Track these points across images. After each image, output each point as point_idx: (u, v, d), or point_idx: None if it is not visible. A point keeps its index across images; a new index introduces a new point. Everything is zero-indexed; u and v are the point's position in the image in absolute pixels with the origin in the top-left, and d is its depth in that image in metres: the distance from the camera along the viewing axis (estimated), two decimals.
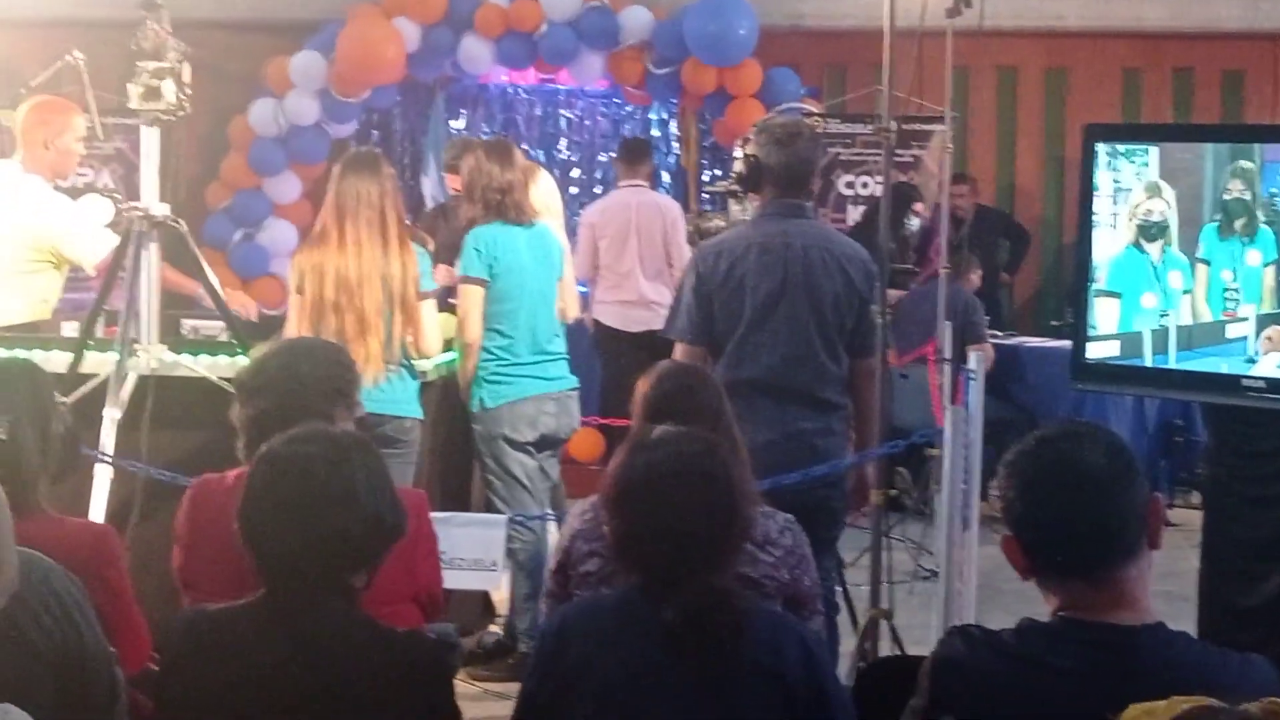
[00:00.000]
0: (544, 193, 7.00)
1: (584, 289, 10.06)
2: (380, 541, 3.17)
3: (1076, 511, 2.68)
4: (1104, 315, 5.63)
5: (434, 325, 6.21)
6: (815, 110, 10.96)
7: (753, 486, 4.12)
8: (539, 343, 6.55)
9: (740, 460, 4.02)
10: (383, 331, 5.99)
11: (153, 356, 5.71)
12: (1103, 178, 5.56)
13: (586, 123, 12.84)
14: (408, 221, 6.56)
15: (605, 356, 9.85)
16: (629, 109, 12.64)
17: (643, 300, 9.64)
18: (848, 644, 5.76)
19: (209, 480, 3.91)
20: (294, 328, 6.01)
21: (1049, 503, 2.70)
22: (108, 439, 5.43)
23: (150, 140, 5.80)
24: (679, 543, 3.11)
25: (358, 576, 3.14)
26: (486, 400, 6.45)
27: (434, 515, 4.10)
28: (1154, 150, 5.51)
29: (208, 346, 6.11)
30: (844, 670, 5.37)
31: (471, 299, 6.42)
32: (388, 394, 6.02)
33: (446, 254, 7.09)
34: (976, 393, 5.84)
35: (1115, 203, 5.55)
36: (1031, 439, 2.78)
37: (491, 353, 6.45)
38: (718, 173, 11.65)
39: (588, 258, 9.85)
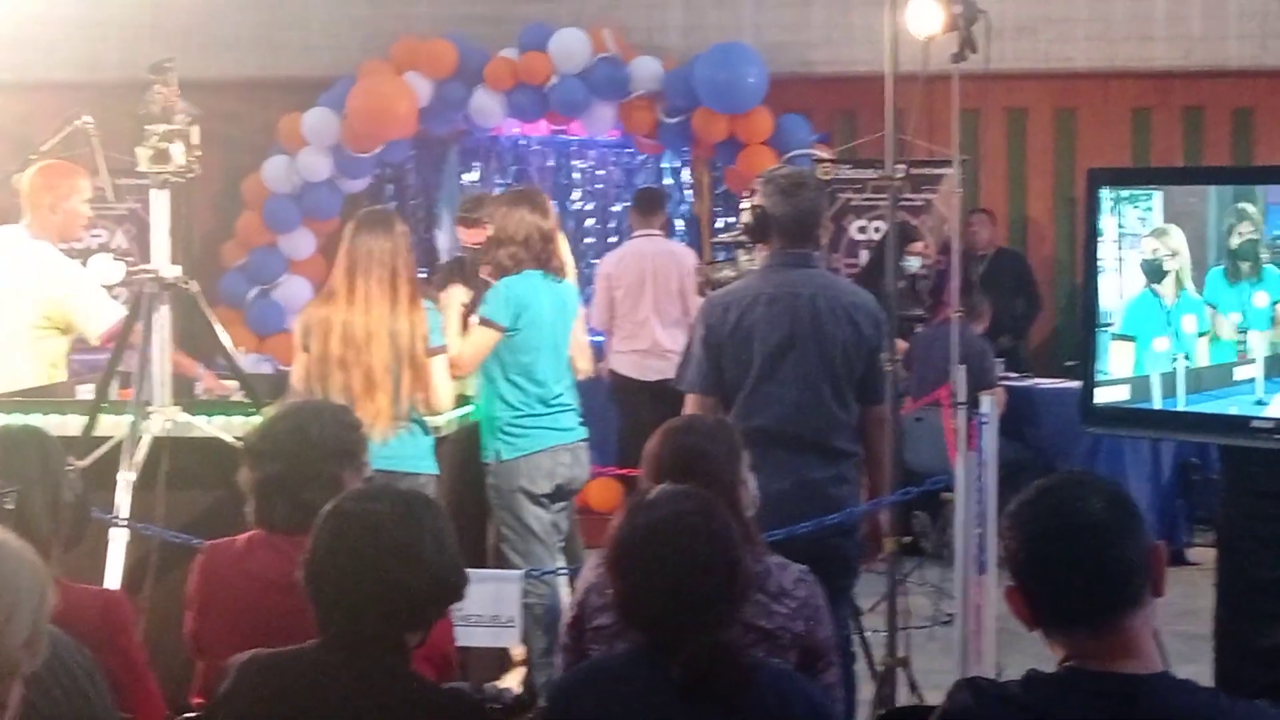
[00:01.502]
0: (563, 248, 7.03)
1: (600, 338, 10.11)
2: (441, 601, 3.23)
3: (1078, 561, 2.69)
4: (1119, 359, 5.64)
5: (445, 381, 6.21)
6: (826, 156, 11.02)
7: (760, 539, 4.13)
8: (554, 394, 6.57)
9: (745, 515, 4.04)
10: (391, 388, 6.00)
11: (166, 418, 5.72)
12: (1107, 222, 5.58)
13: (599, 173, 12.88)
14: (421, 277, 6.58)
15: (622, 406, 9.87)
16: (641, 158, 12.68)
17: (659, 349, 9.66)
18: (865, 692, 5.75)
19: (219, 545, 3.92)
20: (299, 384, 6.02)
21: (1051, 553, 2.71)
22: (123, 502, 5.45)
23: (160, 203, 5.83)
24: (681, 601, 3.12)
25: (413, 635, 3.19)
26: (503, 453, 6.46)
27: None
28: (1158, 194, 5.53)
29: (221, 407, 6.12)
30: None
31: (484, 341, 6.43)
32: (399, 450, 6.01)
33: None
34: (990, 437, 5.85)
35: (1120, 247, 5.57)
36: (1033, 488, 2.79)
37: (509, 404, 6.46)
38: (731, 220, 11.66)
39: (604, 308, 9.89)
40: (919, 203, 10.80)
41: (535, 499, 6.48)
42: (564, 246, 6.73)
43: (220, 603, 3.75)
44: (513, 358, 6.46)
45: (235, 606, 3.45)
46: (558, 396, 6.58)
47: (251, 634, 3.23)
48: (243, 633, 3.42)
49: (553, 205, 6.82)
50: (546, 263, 6.50)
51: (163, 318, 5.78)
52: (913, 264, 9.46)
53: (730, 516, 3.65)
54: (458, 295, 6.75)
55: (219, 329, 6.03)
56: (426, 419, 6.20)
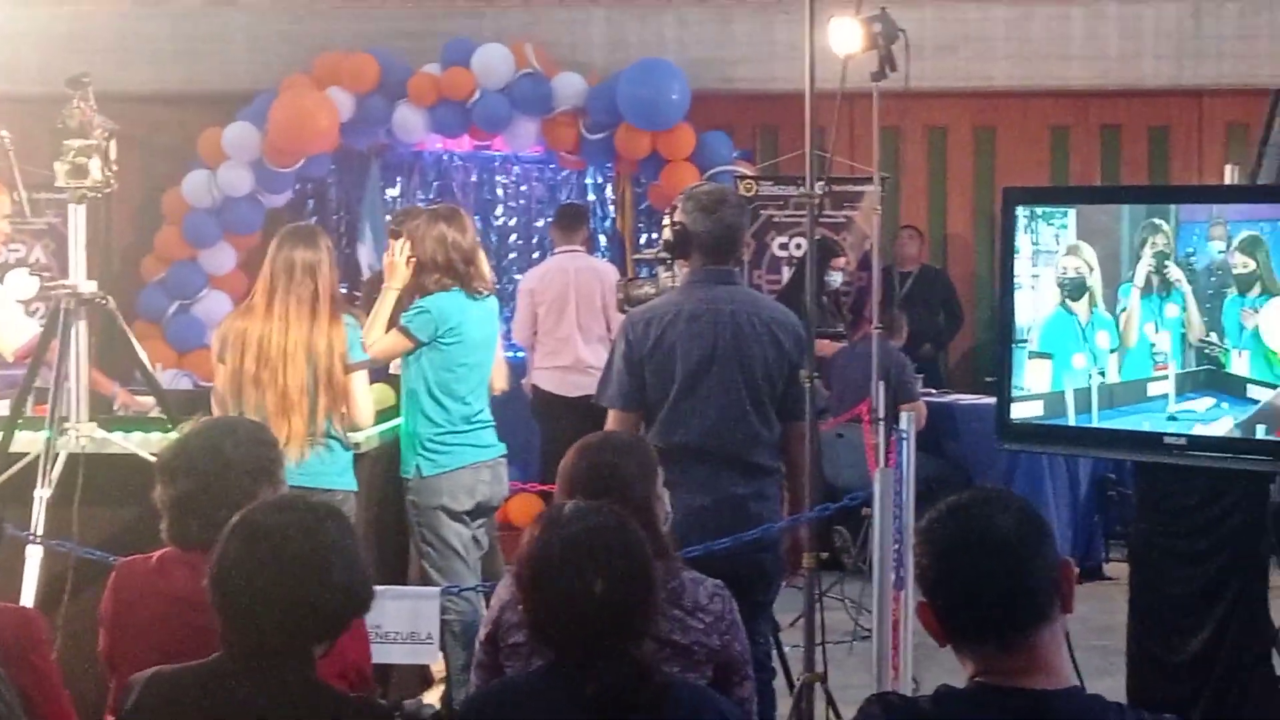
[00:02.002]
0: (485, 265, 7.01)
1: (520, 354, 10.10)
2: (348, 613, 3.21)
3: (988, 577, 2.71)
4: (1036, 376, 5.69)
5: (366, 397, 6.20)
6: (748, 173, 11.09)
7: (675, 555, 4.14)
8: (475, 411, 6.56)
9: (660, 531, 4.04)
10: (306, 410, 5.98)
11: (83, 434, 5.68)
12: (1023, 240, 5.64)
13: (522, 188, 12.87)
14: (343, 293, 6.54)
15: (545, 422, 9.87)
16: (564, 174, 12.69)
17: (581, 365, 9.66)
18: (783, 707, 5.76)
19: (132, 562, 3.89)
20: (221, 394, 6.00)
21: (960, 569, 2.73)
22: (39, 519, 5.41)
23: (77, 218, 5.79)
24: (593, 619, 3.10)
25: (319, 645, 3.18)
26: (424, 469, 6.44)
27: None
28: (1072, 212, 5.59)
29: (139, 423, 6.09)
30: None
31: (395, 346, 6.42)
32: (316, 468, 5.99)
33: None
34: (908, 452, 5.89)
35: (1035, 264, 5.62)
36: (943, 505, 2.81)
37: (432, 420, 6.45)
38: (654, 236, 11.69)
39: (526, 324, 9.90)
40: (840, 219, 10.86)
41: (455, 515, 6.46)
42: (484, 263, 6.72)
43: (133, 621, 3.72)
44: (437, 375, 6.45)
45: (148, 624, 3.42)
46: (479, 413, 6.58)
47: (165, 652, 3.21)
48: (156, 650, 3.39)
49: (472, 221, 6.80)
50: (468, 282, 6.49)
51: (80, 333, 5.74)
52: (835, 279, 9.50)
53: (644, 532, 3.66)
54: (391, 298, 6.65)
55: (136, 344, 5.99)
56: (347, 434, 6.18)
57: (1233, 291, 5.20)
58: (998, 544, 2.71)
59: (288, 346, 5.97)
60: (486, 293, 6.60)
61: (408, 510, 6.51)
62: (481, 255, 6.66)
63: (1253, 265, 5.14)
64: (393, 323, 6.47)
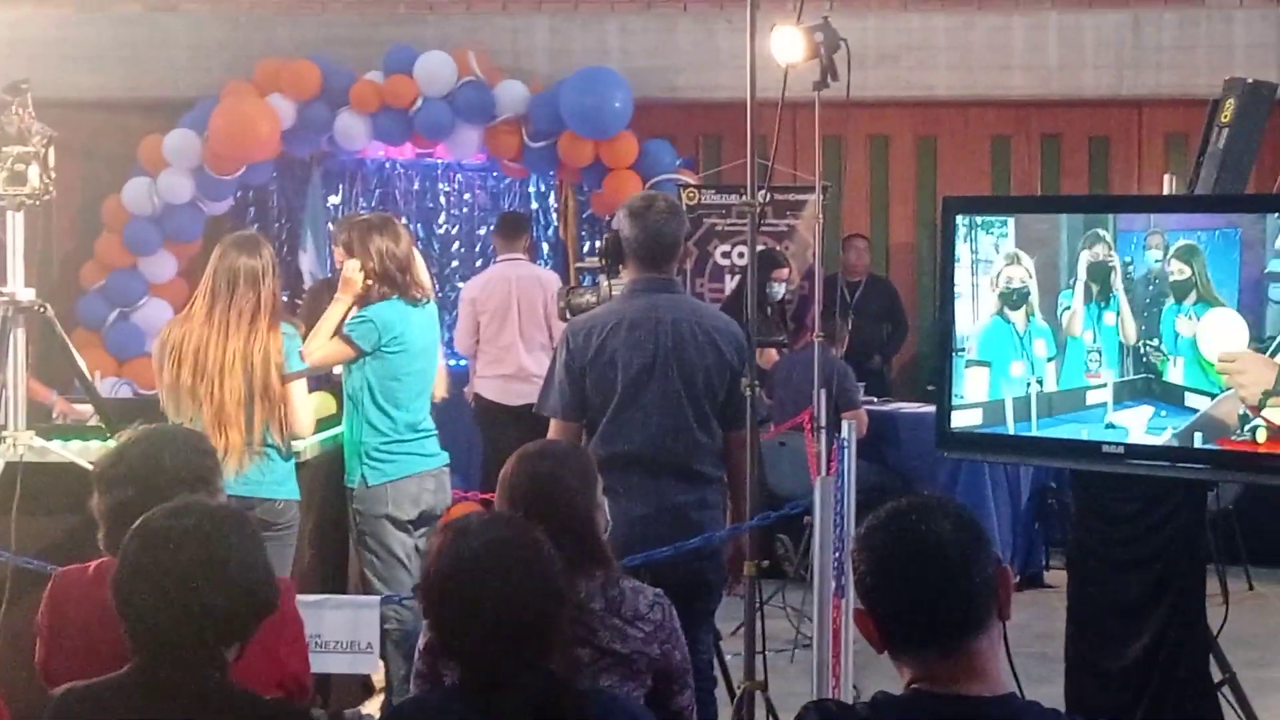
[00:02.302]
0: (422, 272, 6.99)
1: (463, 363, 10.09)
2: (251, 615, 3.18)
3: (925, 583, 2.71)
4: (974, 385, 5.71)
5: (305, 406, 6.17)
6: (691, 182, 11.11)
7: (614, 564, 4.11)
8: (419, 420, 6.55)
9: (600, 540, 4.03)
10: (243, 423, 5.94)
11: (21, 443, 5.65)
12: (962, 249, 5.66)
13: (465, 196, 12.86)
14: (284, 301, 6.51)
15: (487, 431, 9.85)
16: (507, 182, 12.68)
17: (524, 374, 9.64)
18: (724, 716, 5.77)
19: (69, 572, 3.87)
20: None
21: (899, 575, 2.73)
22: None
23: (16, 225, 5.76)
24: (496, 634, 3.03)
25: (230, 649, 3.16)
26: (370, 478, 6.42)
27: (306, 599, 4.09)
28: (1011, 221, 5.62)
29: (78, 432, 6.06)
30: None
31: (337, 353, 6.37)
32: (254, 477, 5.97)
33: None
34: (850, 461, 5.90)
35: (975, 273, 5.65)
36: (882, 511, 2.81)
37: (377, 430, 6.42)
38: (596, 244, 11.70)
39: (468, 332, 9.88)
40: (783, 228, 10.88)
41: (400, 525, 6.44)
42: (421, 269, 6.71)
43: (70, 631, 3.70)
44: (381, 384, 6.42)
45: (85, 635, 3.40)
46: (423, 422, 6.57)
47: (102, 662, 3.19)
48: (94, 661, 3.37)
49: (405, 228, 6.78)
50: (406, 290, 6.47)
51: (18, 342, 5.71)
52: (777, 290, 9.52)
53: (578, 542, 3.66)
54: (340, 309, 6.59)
55: (75, 353, 5.96)
56: (289, 442, 6.15)
57: (1170, 300, 5.24)
58: (935, 551, 2.72)
59: (225, 360, 5.94)
60: (425, 299, 6.58)
61: (351, 519, 6.48)
62: (418, 262, 6.64)
63: (1189, 272, 5.18)
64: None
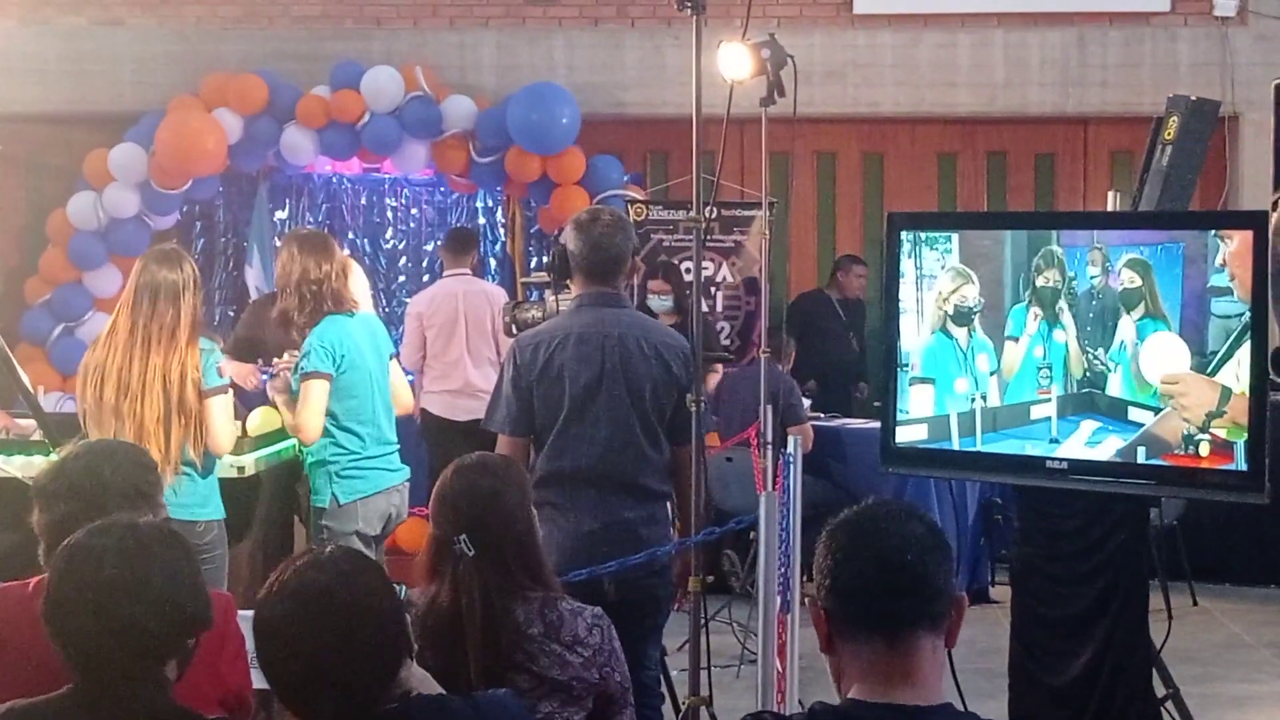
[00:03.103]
0: (358, 286, 6.94)
1: (411, 378, 10.06)
2: (182, 632, 3.14)
3: (889, 562, 2.71)
4: (918, 401, 5.72)
5: (224, 423, 6.04)
6: (638, 197, 11.11)
7: (555, 584, 4.07)
8: (384, 434, 6.56)
9: (539, 558, 3.99)
10: (162, 440, 5.85)
11: None
12: (907, 265, 5.68)
13: (412, 211, 12.83)
14: (205, 316, 6.44)
15: (434, 446, 9.81)
16: (454, 197, 12.67)
17: (471, 389, 9.62)
18: None
19: (7, 590, 3.83)
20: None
21: (865, 554, 2.73)
22: None
23: None
24: (327, 682, 2.86)
25: (168, 666, 3.12)
26: (341, 497, 6.39)
27: (250, 614, 4.04)
28: (955, 237, 5.64)
29: (20, 447, 6.01)
30: None
31: (319, 396, 6.32)
32: (170, 499, 5.89)
33: (266, 346, 7.03)
34: (795, 476, 5.91)
35: (919, 289, 5.67)
36: (851, 512, 2.82)
37: (344, 448, 6.41)
38: (544, 260, 11.69)
39: (415, 347, 9.85)
40: (729, 244, 10.90)
41: (367, 540, 6.42)
42: (355, 278, 6.67)
43: (10, 649, 3.65)
44: (341, 404, 6.39)
45: (25, 653, 3.36)
46: (388, 437, 6.57)
47: (43, 680, 3.15)
48: (35, 680, 3.33)
49: (334, 240, 6.76)
50: (339, 304, 6.45)
51: None
52: (656, 303, 9.60)
53: (517, 561, 3.63)
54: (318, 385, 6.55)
55: (18, 368, 5.92)
56: (207, 461, 6.08)
57: (1123, 313, 5.26)
58: (908, 538, 2.74)
59: (147, 376, 5.85)
60: (352, 310, 6.54)
61: (314, 536, 6.43)
62: (350, 271, 6.61)
63: (1139, 282, 5.21)
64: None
